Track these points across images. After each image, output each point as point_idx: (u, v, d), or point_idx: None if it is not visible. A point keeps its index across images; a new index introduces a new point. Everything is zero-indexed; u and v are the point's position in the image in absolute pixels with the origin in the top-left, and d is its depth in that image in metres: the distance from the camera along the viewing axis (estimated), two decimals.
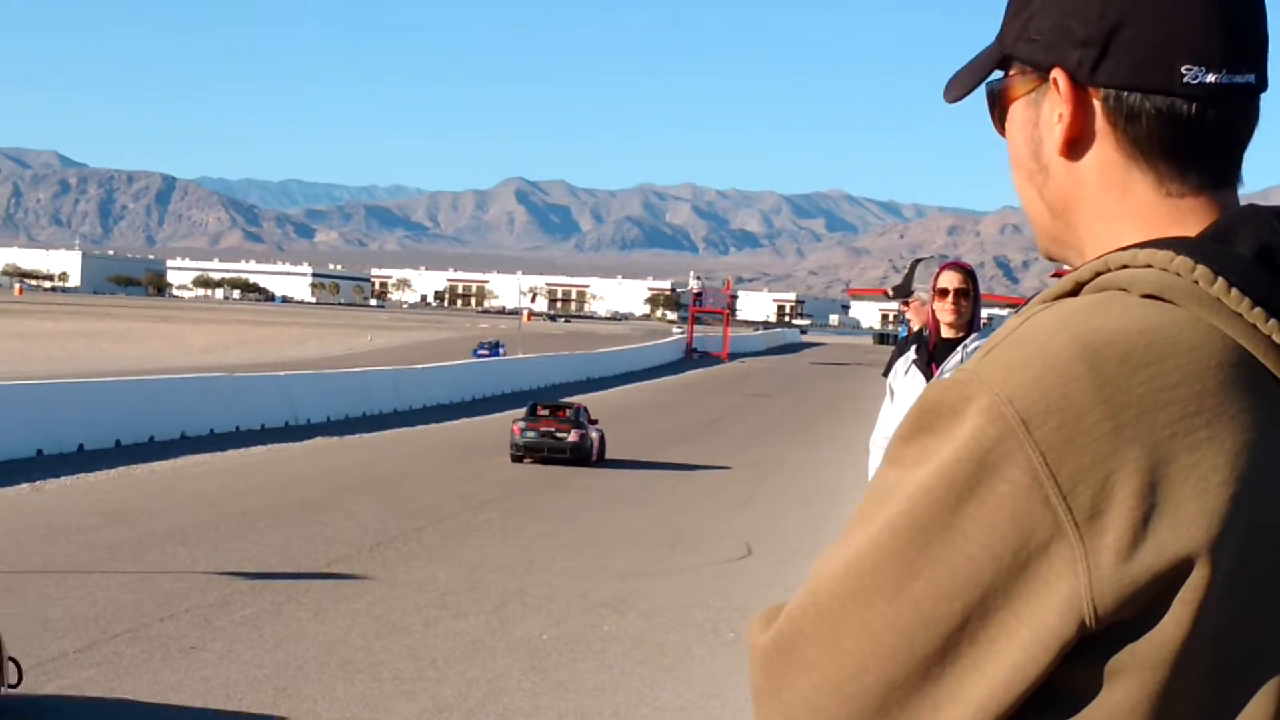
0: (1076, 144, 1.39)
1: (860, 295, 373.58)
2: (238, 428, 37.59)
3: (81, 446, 31.00)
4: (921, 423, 1.26)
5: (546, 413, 33.48)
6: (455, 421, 45.79)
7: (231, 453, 32.73)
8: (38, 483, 25.37)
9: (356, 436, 38.48)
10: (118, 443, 32.30)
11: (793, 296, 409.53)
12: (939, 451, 1.23)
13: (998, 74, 1.45)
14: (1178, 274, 1.27)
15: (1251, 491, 1.20)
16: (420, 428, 42.75)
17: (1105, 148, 1.37)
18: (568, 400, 37.65)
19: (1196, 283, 1.26)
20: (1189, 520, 1.18)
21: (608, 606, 16.20)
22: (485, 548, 20.03)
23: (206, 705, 11.46)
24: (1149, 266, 1.29)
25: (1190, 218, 1.35)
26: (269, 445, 34.90)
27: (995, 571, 1.19)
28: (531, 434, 33.03)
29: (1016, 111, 1.43)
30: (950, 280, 6.89)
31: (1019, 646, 1.19)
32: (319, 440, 37.01)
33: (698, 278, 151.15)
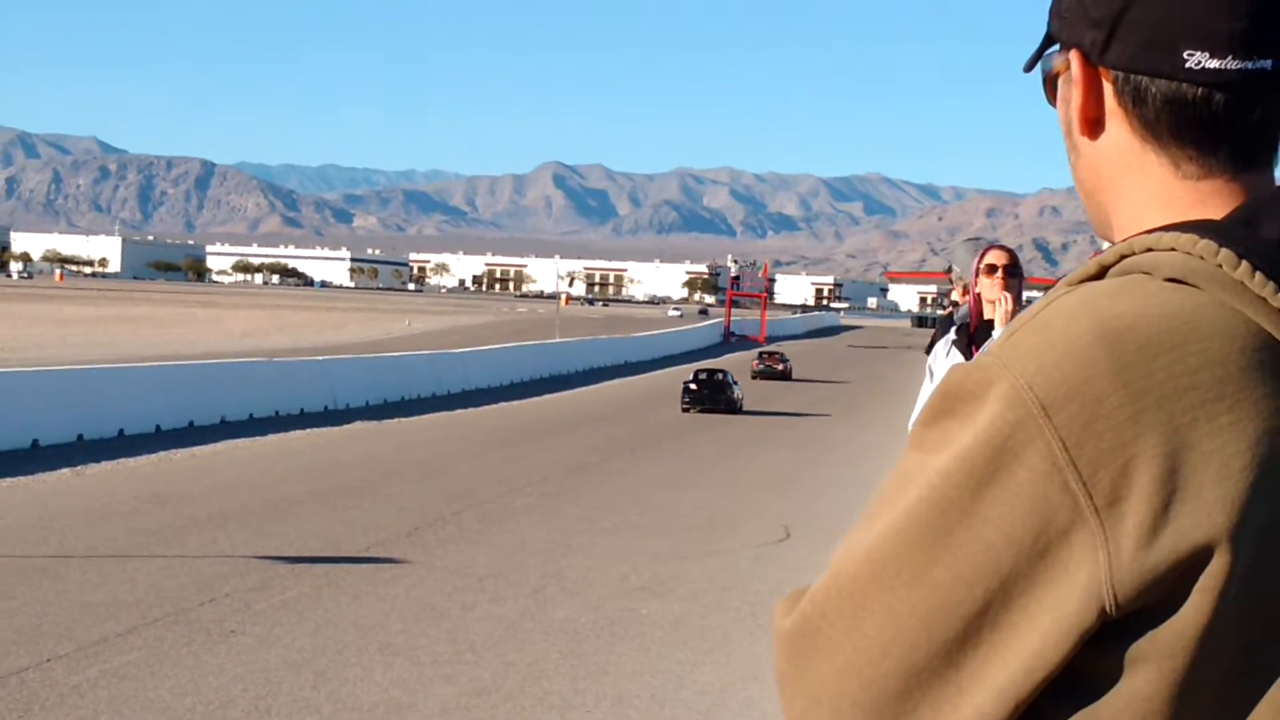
0: (1093, 124, 1.37)
1: (899, 278, 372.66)
2: (277, 412, 37.75)
3: (122, 431, 31.20)
4: (943, 406, 1.26)
5: (768, 354, 69.03)
6: (493, 405, 45.89)
7: (271, 437, 32.89)
8: (79, 467, 25.55)
9: (395, 420, 38.61)
10: (158, 428, 32.49)
11: (831, 280, 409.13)
12: (960, 436, 1.22)
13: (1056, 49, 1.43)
14: (1201, 257, 1.25)
15: (1273, 478, 1.18)
16: (459, 412, 42.87)
17: (1119, 129, 1.35)
18: (776, 348, 78.92)
19: (1220, 266, 1.24)
20: (1210, 507, 1.17)
21: (646, 590, 16.22)
22: (523, 531, 20.07)
23: (246, 689, 11.53)
24: (1173, 250, 1.27)
25: (1213, 200, 1.32)
26: (308, 430, 35.04)
27: (1015, 557, 1.19)
28: (762, 365, 67.17)
29: (1060, 89, 1.42)
30: (999, 256, 6.89)
31: (1039, 633, 1.18)
32: (358, 424, 37.15)
33: (735, 261, 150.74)
